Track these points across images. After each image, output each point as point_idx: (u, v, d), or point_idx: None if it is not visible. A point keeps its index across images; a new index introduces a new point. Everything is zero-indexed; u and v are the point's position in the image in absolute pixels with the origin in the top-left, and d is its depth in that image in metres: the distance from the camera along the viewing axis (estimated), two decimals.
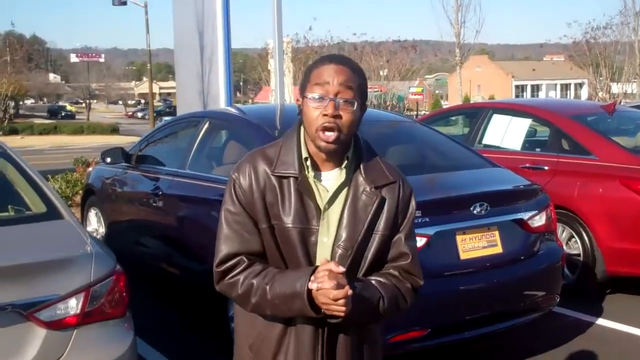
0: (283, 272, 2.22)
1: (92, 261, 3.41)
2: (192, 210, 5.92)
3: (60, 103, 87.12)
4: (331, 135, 2.19)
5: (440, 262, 4.67)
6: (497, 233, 4.92)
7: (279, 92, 11.79)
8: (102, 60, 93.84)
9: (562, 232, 6.90)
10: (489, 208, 4.84)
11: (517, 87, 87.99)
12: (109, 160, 7.11)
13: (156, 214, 6.41)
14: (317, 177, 2.28)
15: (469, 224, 4.79)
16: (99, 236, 7.82)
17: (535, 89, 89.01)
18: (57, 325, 3.22)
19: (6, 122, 46.88)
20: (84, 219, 8.27)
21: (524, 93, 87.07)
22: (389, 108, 23.87)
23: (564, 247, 6.84)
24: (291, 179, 2.25)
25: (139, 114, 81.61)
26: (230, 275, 2.28)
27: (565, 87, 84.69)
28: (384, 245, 2.32)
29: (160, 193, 6.30)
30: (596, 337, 5.84)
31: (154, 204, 6.39)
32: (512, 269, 4.96)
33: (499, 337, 5.67)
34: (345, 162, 2.28)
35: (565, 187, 6.86)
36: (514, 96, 78.12)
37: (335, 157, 2.27)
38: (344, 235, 2.25)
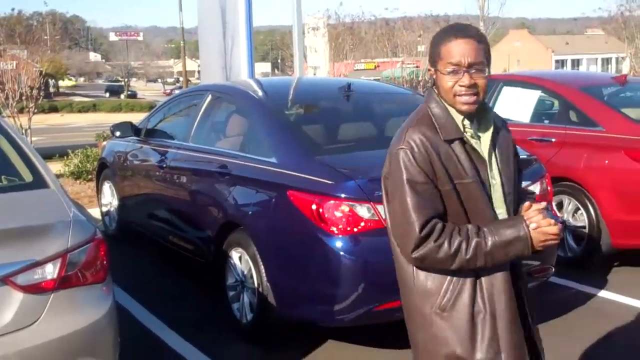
0: (491, 225, 2.46)
1: (70, 228, 3.50)
2: (194, 182, 6.02)
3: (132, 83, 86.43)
4: (471, 99, 2.49)
5: None
6: None
7: (297, 68, 11.83)
8: (140, 38, 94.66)
9: (569, 205, 6.87)
10: None
11: (557, 62, 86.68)
12: (118, 134, 7.27)
13: (161, 186, 6.55)
14: (472, 132, 2.56)
15: None
16: (112, 209, 7.99)
17: (576, 63, 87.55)
18: (34, 289, 3.32)
19: (39, 100, 47.46)
20: (98, 192, 8.46)
21: (564, 67, 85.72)
22: (421, 84, 23.74)
23: (570, 220, 6.85)
24: (457, 141, 2.51)
25: (177, 92, 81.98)
26: (434, 239, 2.43)
27: (606, 62, 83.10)
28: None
29: (165, 165, 6.43)
30: (596, 308, 5.85)
31: (159, 176, 6.53)
32: None
33: None
34: (487, 115, 2.60)
35: (572, 159, 6.82)
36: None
37: (470, 116, 2.55)
38: (504, 174, 2.58)
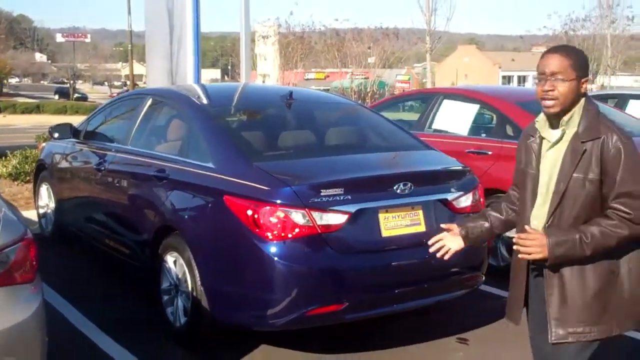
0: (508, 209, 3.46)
1: None
2: (131, 185, 6.00)
3: (78, 85, 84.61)
4: (549, 102, 3.01)
5: (361, 239, 4.78)
6: (421, 212, 5.02)
7: (244, 74, 11.89)
8: (87, 40, 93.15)
9: None
10: (413, 187, 4.94)
11: (504, 77, 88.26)
12: (56, 135, 7.22)
13: (99, 189, 6.53)
14: (546, 134, 3.11)
15: (392, 203, 4.90)
16: (49, 210, 7.91)
17: (522, 79, 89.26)
18: None
19: None
20: (35, 194, 8.37)
21: (511, 83, 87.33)
22: (370, 95, 23.91)
23: None
24: (531, 138, 3.20)
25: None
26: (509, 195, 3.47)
27: None
28: (593, 190, 2.98)
29: (103, 168, 6.40)
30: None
31: (97, 179, 6.50)
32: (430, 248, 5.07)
33: (436, 313, 5.86)
34: (562, 122, 3.04)
35: (507, 171, 6.94)
36: None
37: (557, 118, 3.06)
38: (554, 177, 3.04)
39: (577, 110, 3.04)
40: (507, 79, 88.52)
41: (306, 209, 4.55)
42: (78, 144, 7.18)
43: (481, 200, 5.60)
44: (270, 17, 28.55)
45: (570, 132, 3.04)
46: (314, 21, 26.90)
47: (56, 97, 72.80)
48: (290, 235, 4.55)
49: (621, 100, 10.46)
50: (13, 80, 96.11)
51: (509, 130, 7.28)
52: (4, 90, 74.29)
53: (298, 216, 4.56)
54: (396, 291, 4.91)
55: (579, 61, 3.04)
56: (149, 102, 6.33)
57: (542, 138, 3.14)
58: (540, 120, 3.15)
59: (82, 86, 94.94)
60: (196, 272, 4.94)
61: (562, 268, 3.05)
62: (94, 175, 6.59)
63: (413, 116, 9.15)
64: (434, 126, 7.95)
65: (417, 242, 4.96)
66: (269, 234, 4.55)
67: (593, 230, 2.95)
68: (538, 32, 30.57)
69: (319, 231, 4.60)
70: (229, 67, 78.52)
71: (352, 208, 4.69)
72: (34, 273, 3.64)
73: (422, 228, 5.00)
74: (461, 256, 5.18)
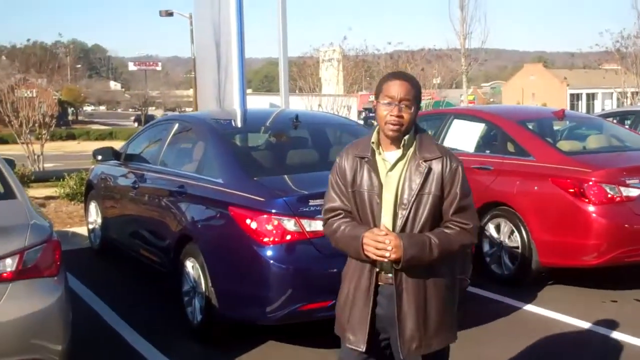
0: (358, 225, 3.26)
1: (27, 231, 4.29)
2: (159, 200, 6.81)
3: (150, 112, 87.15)
4: (396, 127, 3.18)
5: None
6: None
7: (283, 99, 12.62)
8: (158, 68, 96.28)
9: (505, 227, 7.57)
10: None
11: (572, 95, 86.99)
12: (99, 158, 8.13)
13: (134, 205, 7.40)
14: (383, 155, 3.27)
15: None
16: (96, 226, 8.81)
17: (591, 97, 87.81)
18: None
19: (52, 127, 48.40)
20: (86, 211, 9.30)
21: (579, 101, 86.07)
22: None
23: (506, 240, 7.55)
24: (365, 159, 3.28)
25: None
26: (330, 221, 3.36)
27: (623, 95, 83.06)
28: (435, 204, 3.20)
29: (137, 186, 7.25)
30: (518, 319, 6.53)
31: (133, 196, 7.38)
32: None
33: None
34: (403, 143, 3.23)
35: (507, 185, 7.56)
36: (568, 105, 77.40)
37: (397, 140, 3.23)
38: (402, 194, 3.19)
39: (412, 133, 3.24)
40: (576, 97, 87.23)
41: (296, 217, 5.25)
42: (118, 165, 8.07)
43: None
44: (324, 42, 29.32)
45: (410, 152, 3.23)
46: (367, 45, 27.44)
47: (135, 124, 75.01)
48: (282, 240, 5.25)
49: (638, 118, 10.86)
50: (88, 108, 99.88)
51: (510, 147, 7.84)
52: (79, 117, 77.31)
53: (290, 223, 5.26)
54: None
55: (419, 91, 3.26)
56: (176, 126, 7.19)
57: (376, 159, 3.25)
58: (376, 142, 3.27)
59: (155, 112, 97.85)
60: (207, 274, 5.68)
61: (408, 284, 3.19)
62: (130, 192, 7.47)
63: None
64: (445, 144, 8.53)
65: None
66: (265, 239, 5.27)
67: (439, 235, 3.17)
68: (597, 48, 30.32)
69: (308, 237, 5.28)
70: (296, 91, 79.71)
71: None
72: (57, 268, 4.43)
73: None
74: None
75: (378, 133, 3.28)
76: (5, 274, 4.15)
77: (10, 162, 6.01)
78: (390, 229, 3.18)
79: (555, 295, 7.22)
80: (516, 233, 7.43)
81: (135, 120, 79.01)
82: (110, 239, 8.39)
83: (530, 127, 8.01)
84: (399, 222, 3.18)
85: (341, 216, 3.32)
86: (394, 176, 3.22)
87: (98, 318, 6.54)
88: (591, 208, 6.85)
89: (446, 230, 3.21)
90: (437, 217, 3.23)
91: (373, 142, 3.27)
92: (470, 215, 3.26)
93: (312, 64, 27.07)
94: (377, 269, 3.25)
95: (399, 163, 3.24)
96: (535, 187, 7.30)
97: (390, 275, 3.22)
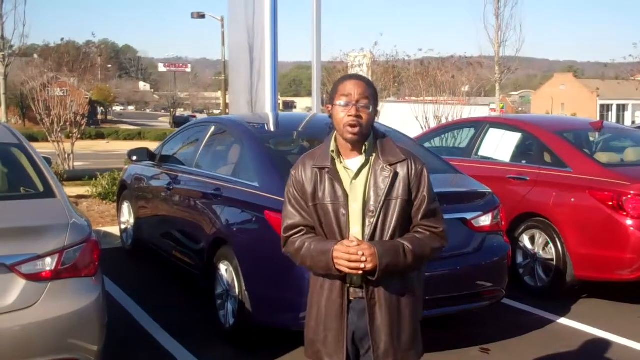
0: (324, 239, 3.08)
1: (67, 230, 4.30)
2: (194, 203, 6.81)
3: (188, 113, 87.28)
4: (355, 129, 3.02)
5: None
6: None
7: (315, 103, 12.60)
8: (188, 70, 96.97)
9: (539, 238, 7.49)
10: None
11: (602, 106, 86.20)
12: (134, 158, 8.15)
13: (167, 206, 7.41)
14: (344, 163, 3.12)
15: None
16: (129, 226, 8.84)
17: (622, 108, 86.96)
18: (35, 277, 4.11)
19: (83, 126, 48.80)
20: (118, 211, 9.35)
21: (610, 112, 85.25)
22: None
23: (540, 252, 7.47)
24: (325, 169, 3.10)
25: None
26: (292, 239, 3.16)
27: None
28: (404, 208, 3.07)
29: (172, 188, 7.26)
30: (551, 332, 6.44)
31: (167, 197, 7.38)
32: (451, 262, 5.63)
33: (459, 325, 6.39)
34: (364, 148, 3.09)
35: (543, 197, 7.47)
36: (598, 116, 76.73)
37: (357, 146, 3.08)
38: (369, 201, 3.04)
39: (372, 137, 3.11)
40: (606, 108, 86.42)
41: None
42: (153, 166, 8.09)
43: (500, 219, 6.10)
44: (354, 48, 29.34)
45: (373, 157, 3.09)
46: (397, 51, 27.36)
47: (169, 125, 75.31)
48: None
49: None
50: (118, 108, 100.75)
51: (547, 158, 7.75)
52: (108, 117, 77.96)
53: None
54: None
55: (376, 92, 3.14)
56: (212, 129, 7.19)
57: (338, 168, 3.11)
58: (336, 150, 3.12)
59: (183, 114, 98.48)
60: (242, 278, 5.67)
61: (380, 297, 3.08)
62: (164, 194, 7.48)
63: (458, 142, 9.64)
64: (480, 153, 8.48)
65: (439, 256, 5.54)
66: None
67: (411, 240, 3.05)
68: (623, 60, 30.16)
69: None
70: (324, 96, 79.77)
71: None
72: (95, 268, 4.44)
73: None
74: (480, 271, 5.80)
75: (336, 140, 3.14)
76: (44, 273, 4.16)
77: (48, 161, 6.05)
78: (360, 238, 3.03)
79: (589, 309, 7.13)
80: (551, 245, 7.34)
81: (173, 122, 79.41)
82: (143, 239, 8.42)
83: (567, 137, 7.91)
84: (367, 231, 3.05)
85: (302, 232, 3.15)
86: (359, 184, 3.08)
87: (129, 318, 6.56)
88: (629, 222, 6.76)
89: (417, 235, 3.10)
90: (405, 222, 3.12)
91: (332, 151, 3.12)
92: (439, 219, 3.17)
93: (342, 68, 27.04)
94: (347, 284, 3.10)
95: (363, 170, 3.10)
96: (572, 199, 7.21)
97: (360, 289, 3.09)
